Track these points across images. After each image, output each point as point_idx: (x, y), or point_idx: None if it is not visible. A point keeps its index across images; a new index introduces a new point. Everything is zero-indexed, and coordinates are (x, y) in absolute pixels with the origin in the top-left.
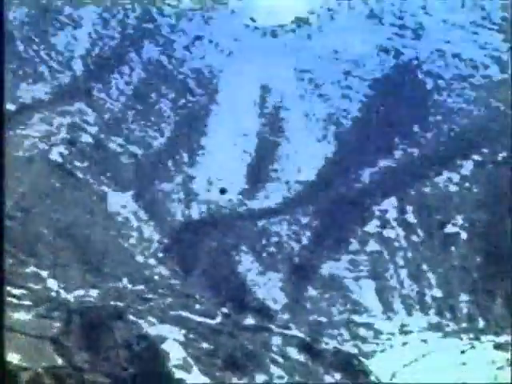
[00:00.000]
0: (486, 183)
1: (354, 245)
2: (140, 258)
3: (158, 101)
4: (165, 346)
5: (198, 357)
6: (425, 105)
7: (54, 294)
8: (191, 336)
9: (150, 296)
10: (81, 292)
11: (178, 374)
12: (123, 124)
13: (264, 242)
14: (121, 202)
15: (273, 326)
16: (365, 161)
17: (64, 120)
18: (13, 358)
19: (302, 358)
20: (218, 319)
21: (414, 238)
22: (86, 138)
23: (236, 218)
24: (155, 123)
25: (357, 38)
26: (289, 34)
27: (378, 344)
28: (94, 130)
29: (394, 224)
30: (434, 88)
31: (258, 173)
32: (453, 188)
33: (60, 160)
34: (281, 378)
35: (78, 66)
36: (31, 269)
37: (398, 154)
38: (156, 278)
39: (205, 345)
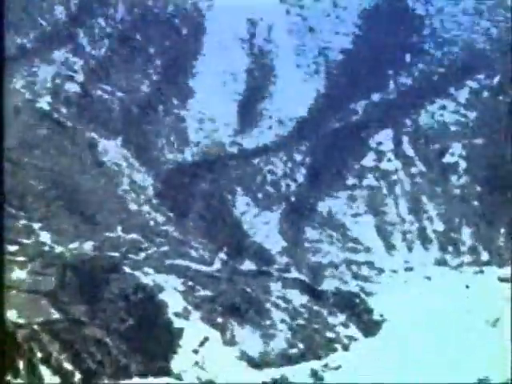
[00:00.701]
0: (482, 109)
1: (351, 180)
2: (133, 206)
3: (143, 43)
4: (163, 296)
5: (198, 304)
6: (416, 33)
7: (47, 248)
8: (189, 284)
9: (146, 245)
10: (75, 244)
11: (178, 322)
12: (110, 69)
13: (259, 181)
14: (111, 149)
15: (272, 270)
16: (357, 93)
17: (49, 68)
18: (9, 314)
19: (303, 300)
20: (216, 265)
21: (413, 169)
22: (72, 86)
23: (229, 159)
24: (142, 67)
25: None
26: None
27: (380, 282)
28: (80, 77)
29: (391, 156)
30: (425, 15)
31: (250, 111)
32: (449, 116)
33: (47, 108)
34: (283, 321)
35: (60, 12)
36: (23, 222)
37: (391, 84)
38: (151, 224)
39: (203, 292)
